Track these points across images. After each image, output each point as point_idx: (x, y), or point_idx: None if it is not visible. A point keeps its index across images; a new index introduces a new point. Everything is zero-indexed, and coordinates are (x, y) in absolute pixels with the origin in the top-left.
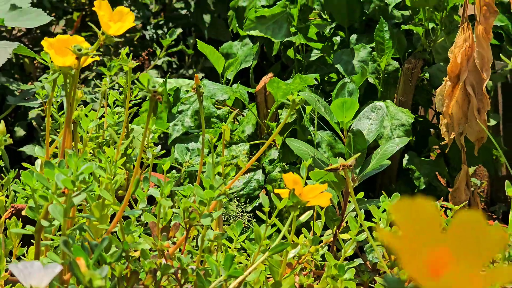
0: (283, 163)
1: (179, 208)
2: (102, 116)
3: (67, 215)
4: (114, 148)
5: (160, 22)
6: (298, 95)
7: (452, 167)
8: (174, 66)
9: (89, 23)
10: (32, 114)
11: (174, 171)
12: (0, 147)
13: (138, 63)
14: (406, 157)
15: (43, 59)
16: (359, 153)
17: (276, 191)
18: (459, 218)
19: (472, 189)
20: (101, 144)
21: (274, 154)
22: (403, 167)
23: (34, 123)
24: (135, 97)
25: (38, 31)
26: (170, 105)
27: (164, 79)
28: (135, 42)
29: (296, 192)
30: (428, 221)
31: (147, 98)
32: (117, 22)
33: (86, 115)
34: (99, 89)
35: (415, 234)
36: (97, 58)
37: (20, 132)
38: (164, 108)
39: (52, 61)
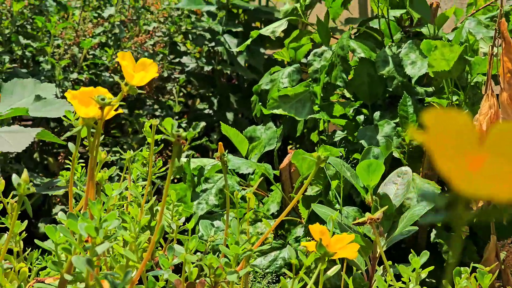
0: (310, 238)
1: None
2: (126, 188)
3: (91, 265)
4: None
5: (183, 123)
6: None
7: (480, 238)
8: None
9: (112, 75)
10: (56, 209)
11: (198, 254)
12: (23, 195)
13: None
14: (434, 231)
15: (65, 117)
16: (387, 206)
17: (303, 243)
18: (497, 128)
19: (502, 259)
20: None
21: (299, 231)
22: (431, 241)
23: (58, 219)
24: (159, 169)
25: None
26: (194, 184)
27: (188, 158)
28: (159, 142)
29: (323, 242)
30: (463, 130)
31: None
32: (140, 72)
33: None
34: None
35: (451, 140)
36: (121, 110)
37: (43, 228)
38: (188, 187)
39: (76, 118)
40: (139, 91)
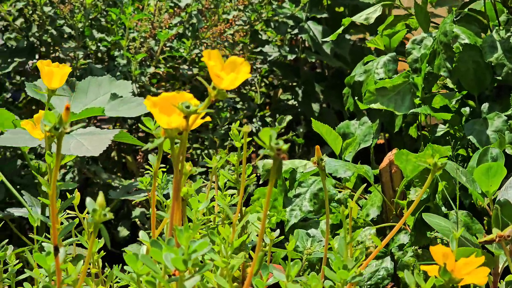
0: (415, 247)
1: None
2: (213, 199)
3: None
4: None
5: (266, 114)
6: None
7: None
8: None
9: (198, 77)
10: (135, 212)
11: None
12: (99, 223)
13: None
14: None
15: (145, 126)
16: None
17: (423, 267)
18: None
19: None
20: (212, 230)
21: (403, 238)
22: None
23: (138, 222)
24: (248, 176)
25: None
26: (285, 188)
27: None
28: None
29: (448, 267)
30: None
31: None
32: (230, 73)
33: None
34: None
35: None
36: (208, 118)
37: (123, 232)
38: (279, 192)
39: (156, 128)
40: (230, 95)
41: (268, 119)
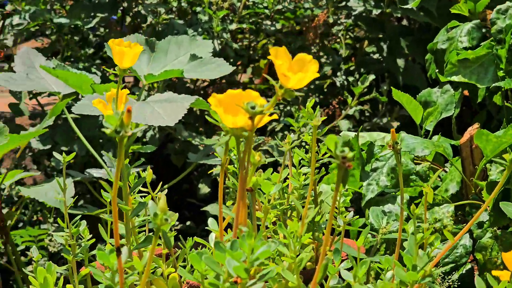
0: (494, 228)
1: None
2: (286, 178)
3: None
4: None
5: (351, 68)
6: None
7: None
8: (367, 114)
9: (265, 75)
10: (216, 170)
11: (369, 236)
12: (160, 228)
13: (326, 113)
14: None
15: (213, 118)
16: None
17: (494, 272)
18: None
19: None
20: (286, 210)
21: (483, 216)
22: None
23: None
24: (323, 155)
25: (223, 81)
26: (363, 162)
27: (356, 133)
28: (325, 90)
29: None
30: None
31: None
32: (297, 72)
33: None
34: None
35: None
36: (275, 116)
37: (204, 189)
38: (357, 165)
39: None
40: (298, 93)
41: (351, 78)
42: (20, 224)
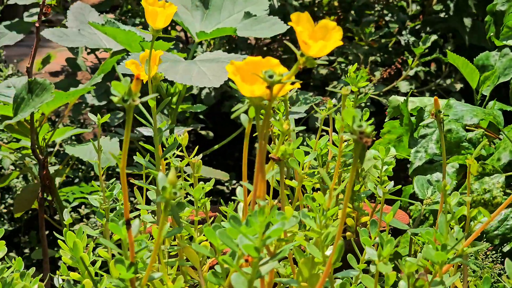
0: None
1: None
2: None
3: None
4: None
5: (417, 27)
6: None
7: None
8: (433, 74)
9: (286, 42)
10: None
11: (417, 204)
12: (170, 201)
13: (388, 73)
14: None
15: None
16: None
17: None
18: None
19: None
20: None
21: None
22: None
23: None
24: (366, 120)
25: (287, 37)
26: (412, 128)
27: (406, 98)
28: (390, 49)
29: None
30: None
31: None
32: (319, 40)
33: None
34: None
35: None
36: (298, 85)
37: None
38: (405, 131)
39: None
40: (320, 61)
41: (412, 39)
42: (77, 180)
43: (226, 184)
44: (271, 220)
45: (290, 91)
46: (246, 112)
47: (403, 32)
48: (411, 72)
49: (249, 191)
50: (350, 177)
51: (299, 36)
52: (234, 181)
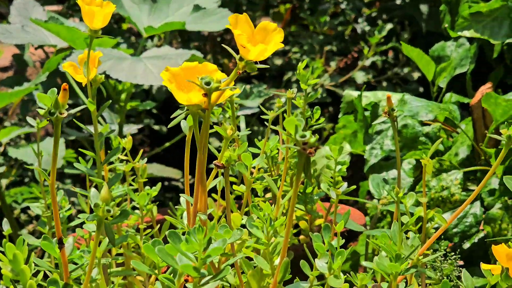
0: (505, 198)
1: None
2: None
3: None
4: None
5: (373, 14)
6: None
7: None
8: (392, 62)
9: (224, 46)
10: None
11: (374, 201)
12: (103, 219)
13: (344, 63)
14: None
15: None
16: None
17: (483, 266)
18: None
19: None
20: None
21: (495, 182)
22: None
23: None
24: (316, 120)
25: None
26: (366, 124)
27: (359, 93)
28: (346, 37)
29: (511, 272)
30: None
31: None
32: (258, 43)
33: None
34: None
35: None
36: (238, 91)
37: (214, 143)
38: (360, 128)
39: None
40: (260, 65)
41: (367, 28)
42: (27, 180)
43: (180, 180)
44: (213, 235)
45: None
46: (186, 118)
47: (359, 20)
48: (367, 62)
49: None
50: (294, 187)
51: (237, 39)
52: (189, 177)
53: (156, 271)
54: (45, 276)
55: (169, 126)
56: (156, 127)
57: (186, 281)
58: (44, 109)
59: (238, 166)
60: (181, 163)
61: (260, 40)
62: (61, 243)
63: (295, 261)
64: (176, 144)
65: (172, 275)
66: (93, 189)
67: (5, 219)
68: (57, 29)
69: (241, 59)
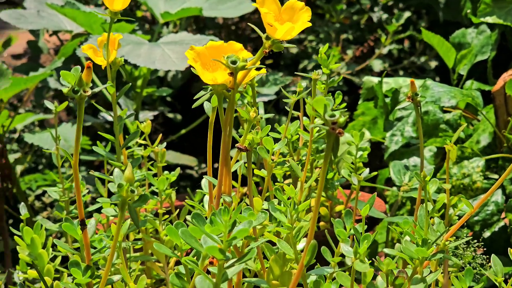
0: None
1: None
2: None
3: None
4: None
5: (390, 3)
6: None
7: None
8: (407, 51)
9: (250, 24)
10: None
11: (394, 189)
12: (126, 200)
13: (360, 52)
14: None
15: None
16: None
17: None
18: None
19: None
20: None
21: None
22: None
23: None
24: (337, 106)
25: (255, 16)
26: (387, 110)
27: (380, 79)
28: (362, 26)
29: None
30: None
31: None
32: (285, 22)
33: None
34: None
35: None
36: (264, 71)
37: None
38: (380, 114)
39: None
40: (288, 45)
41: (385, 16)
42: (41, 167)
43: (195, 168)
44: (237, 217)
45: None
46: (209, 99)
47: (375, 9)
48: (384, 50)
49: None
50: (322, 170)
51: (264, 18)
52: (203, 165)
53: (179, 254)
54: (62, 262)
55: (193, 106)
56: (170, 115)
57: (211, 263)
58: (68, 87)
59: (259, 150)
60: (196, 151)
61: (287, 19)
62: (83, 225)
63: (318, 246)
64: (191, 133)
65: (195, 258)
66: (116, 170)
67: (22, 203)
68: (74, 14)
69: (267, 38)
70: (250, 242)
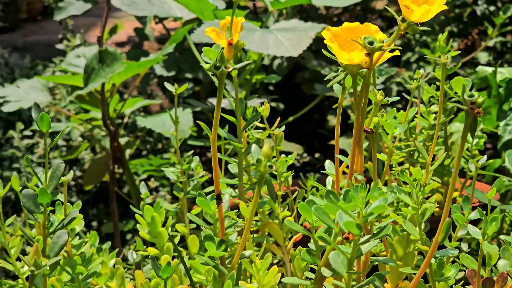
0: None
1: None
2: (414, 118)
3: (351, 268)
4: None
5: None
6: None
7: None
8: (509, 46)
9: (386, 7)
10: (346, 102)
11: (505, 180)
12: (265, 175)
13: (464, 44)
14: None
15: (330, 52)
16: None
17: None
18: None
19: None
20: (412, 152)
21: None
22: None
23: (349, 112)
24: (456, 92)
25: (358, 8)
26: (500, 100)
27: (494, 68)
28: (464, 19)
29: None
30: None
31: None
32: (422, 4)
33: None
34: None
35: None
36: (397, 52)
37: (333, 121)
38: (493, 103)
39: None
40: (422, 27)
41: (491, 8)
42: (144, 152)
43: (297, 157)
44: (369, 197)
45: None
46: (339, 82)
47: (479, 2)
48: (491, 43)
49: (341, 164)
50: (459, 150)
51: (401, 0)
52: (305, 155)
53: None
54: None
55: (328, 85)
56: (273, 104)
57: (346, 239)
58: (209, 63)
59: (382, 135)
60: (301, 140)
61: (424, 1)
62: (219, 199)
63: (431, 232)
64: (296, 121)
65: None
66: (253, 145)
67: (142, 183)
68: (187, 1)
69: (403, 20)
70: (381, 220)
